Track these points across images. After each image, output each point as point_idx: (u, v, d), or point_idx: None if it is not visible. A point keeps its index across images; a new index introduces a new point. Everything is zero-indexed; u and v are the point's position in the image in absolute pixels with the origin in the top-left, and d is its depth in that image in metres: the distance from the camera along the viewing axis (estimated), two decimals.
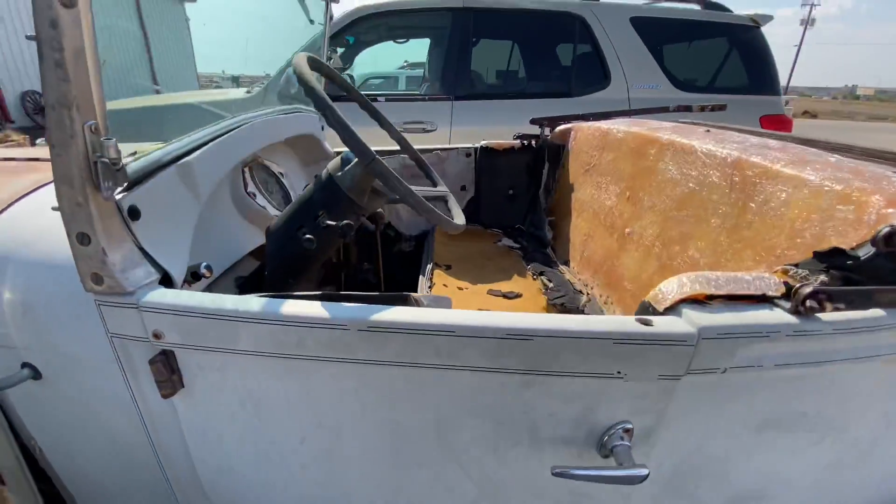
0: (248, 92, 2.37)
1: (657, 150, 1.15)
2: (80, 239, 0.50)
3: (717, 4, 3.02)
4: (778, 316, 0.50)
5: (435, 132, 2.67)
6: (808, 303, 0.48)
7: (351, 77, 5.40)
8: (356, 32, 3.23)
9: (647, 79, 2.87)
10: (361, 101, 1.01)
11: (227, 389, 0.57)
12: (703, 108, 1.70)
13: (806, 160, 0.78)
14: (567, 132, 1.69)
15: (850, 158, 0.79)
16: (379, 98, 2.95)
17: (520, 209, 1.81)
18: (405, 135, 2.70)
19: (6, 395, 0.75)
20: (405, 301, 0.56)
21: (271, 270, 0.83)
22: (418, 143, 2.18)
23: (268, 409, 0.57)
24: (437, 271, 1.45)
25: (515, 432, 0.55)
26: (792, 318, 0.50)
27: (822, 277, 0.53)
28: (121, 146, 0.51)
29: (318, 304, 0.51)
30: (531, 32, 2.96)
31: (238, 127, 0.86)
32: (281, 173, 1.23)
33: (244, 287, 0.85)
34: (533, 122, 1.76)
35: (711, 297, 0.51)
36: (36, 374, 0.70)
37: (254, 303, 0.52)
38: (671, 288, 0.52)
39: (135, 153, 0.58)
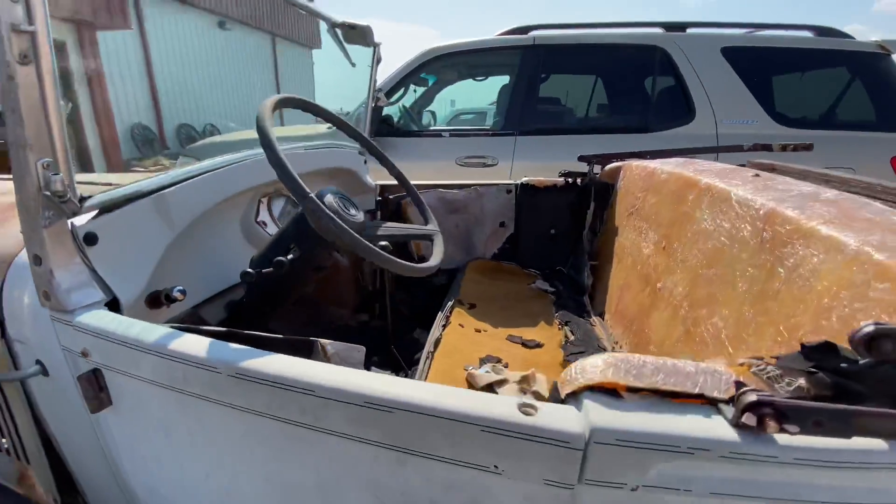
0: (329, 128, 2.58)
1: (696, 195, 1.01)
2: (35, 260, 0.56)
3: (832, 30, 2.65)
4: (712, 426, 0.37)
5: (496, 167, 2.64)
6: (745, 416, 0.36)
7: (433, 113, 5.67)
8: (433, 71, 3.39)
9: (740, 113, 2.58)
10: (356, 134, 1.02)
11: (144, 413, 0.59)
12: (784, 148, 1.45)
13: (854, 216, 0.61)
14: (617, 171, 1.56)
15: None
16: (443, 133, 3.03)
17: (562, 250, 1.69)
18: (466, 169, 2.74)
19: (29, 387, 0.86)
20: (310, 348, 0.53)
21: (248, 297, 0.85)
22: (478, 177, 2.20)
23: (177, 439, 0.57)
24: (458, 310, 1.39)
25: None
26: (732, 433, 0.37)
27: (800, 381, 0.38)
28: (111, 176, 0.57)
29: (205, 341, 0.50)
30: (604, 66, 2.85)
31: (240, 161, 0.92)
32: None
33: (233, 311, 0.89)
34: (581, 159, 1.66)
35: (635, 390, 0.40)
36: (44, 371, 0.79)
37: (154, 332, 0.53)
38: (583, 369, 0.42)
39: (110, 184, 0.65)
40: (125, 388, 0.58)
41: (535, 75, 2.75)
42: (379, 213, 1.67)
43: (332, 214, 0.63)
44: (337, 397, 0.43)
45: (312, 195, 0.62)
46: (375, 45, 1.48)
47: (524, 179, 1.66)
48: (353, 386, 0.43)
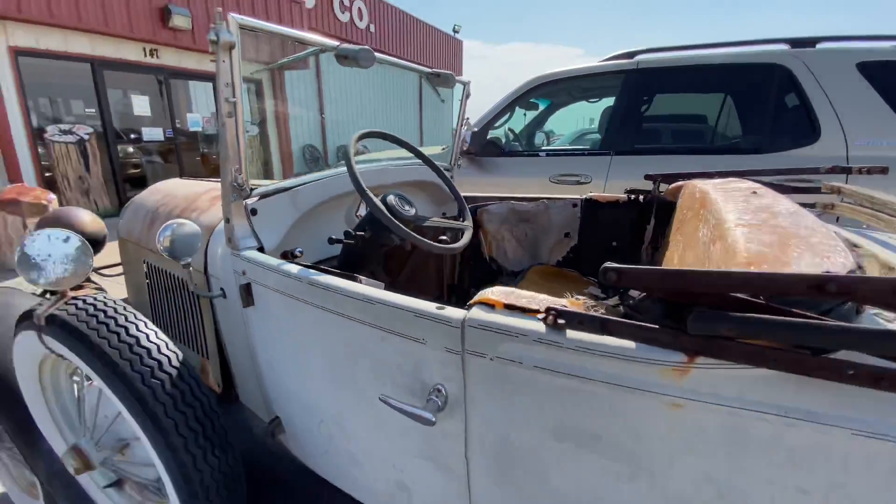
0: (443, 149, 3.05)
1: (704, 210, 1.13)
2: (225, 220, 1.02)
3: None
4: (533, 325, 0.60)
5: (589, 184, 2.78)
6: (549, 316, 0.57)
7: (547, 135, 5.86)
8: (544, 96, 3.66)
9: (878, 133, 2.31)
10: (420, 155, 1.38)
11: (270, 311, 1.00)
12: (861, 171, 1.36)
13: (779, 229, 0.75)
14: (679, 189, 1.65)
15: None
16: (540, 153, 3.27)
17: (622, 262, 1.82)
18: (560, 185, 3.06)
19: (214, 305, 1.36)
20: (354, 278, 0.87)
21: (340, 260, 1.25)
22: (571, 192, 2.40)
23: (286, 328, 0.97)
24: None
25: (381, 374, 0.80)
26: (540, 327, 0.60)
27: (602, 309, 0.58)
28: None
29: (304, 269, 0.88)
30: (711, 86, 2.78)
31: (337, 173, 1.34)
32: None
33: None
34: (647, 177, 1.77)
35: (506, 306, 0.64)
36: (224, 295, 1.28)
37: (277, 264, 0.93)
38: (482, 292, 0.68)
39: (269, 183, 1.11)
40: (261, 295, 1.01)
41: (636, 98, 2.82)
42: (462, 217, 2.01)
43: (381, 207, 0.98)
44: (348, 295, 0.77)
45: (371, 194, 0.98)
46: (465, 84, 1.84)
47: (589, 194, 1.83)
48: (362, 293, 0.76)
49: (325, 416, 0.99)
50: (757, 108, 2.60)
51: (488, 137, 3.30)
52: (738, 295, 0.49)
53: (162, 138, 7.30)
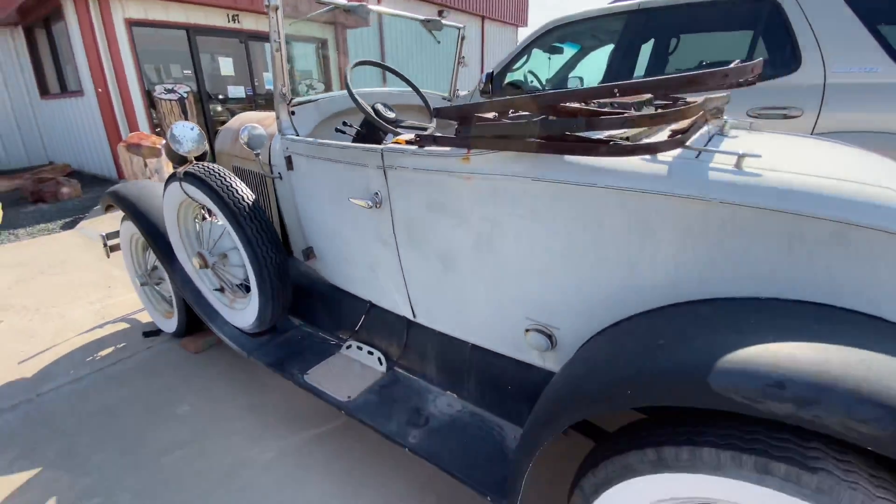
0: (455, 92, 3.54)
1: None
2: (277, 116, 1.69)
3: None
4: (410, 148, 1.19)
5: None
6: (417, 141, 1.16)
7: (581, 80, 5.98)
8: (570, 40, 3.94)
9: (856, 60, 2.47)
10: (393, 70, 1.95)
11: (302, 171, 1.67)
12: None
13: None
14: None
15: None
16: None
17: None
18: None
19: (274, 184, 2.07)
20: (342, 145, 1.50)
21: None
22: None
23: (311, 179, 1.64)
24: None
25: (352, 192, 1.45)
26: (414, 148, 1.18)
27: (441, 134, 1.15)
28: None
29: (318, 140, 1.53)
30: (704, 23, 2.98)
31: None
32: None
33: None
34: None
35: (403, 142, 1.24)
36: (280, 176, 1.98)
37: (304, 141, 1.59)
38: (395, 139, 1.28)
39: (304, 96, 1.76)
40: (296, 162, 1.68)
41: (636, 40, 3.09)
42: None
43: (367, 108, 1.59)
44: (338, 147, 1.42)
45: (362, 101, 1.59)
46: (460, 28, 2.35)
47: None
48: (340, 146, 1.40)
49: (332, 236, 1.66)
50: (743, 40, 2.80)
51: (508, 81, 3.72)
52: (483, 115, 1.05)
53: (243, 96, 8.35)
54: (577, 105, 0.95)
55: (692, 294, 0.93)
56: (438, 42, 2.29)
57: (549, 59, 4.23)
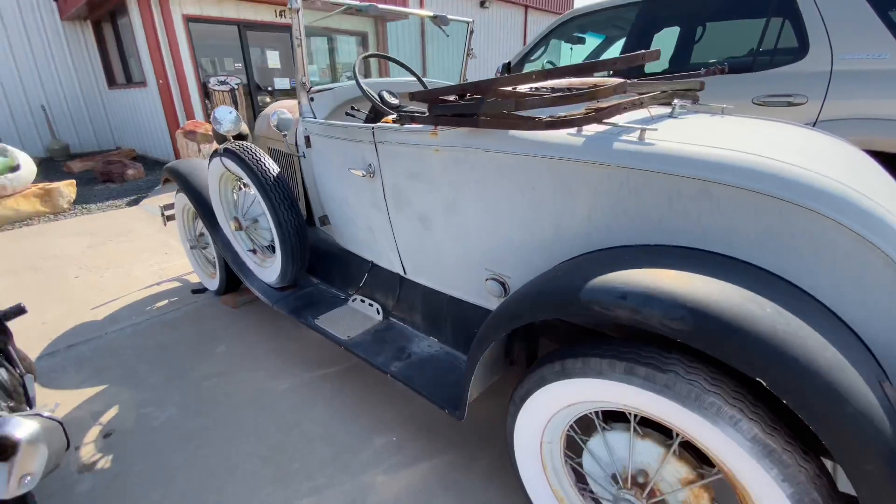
0: None
1: None
2: (299, 102, 2.00)
3: None
4: (394, 126, 1.44)
5: None
6: (399, 120, 1.40)
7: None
8: (592, 30, 4.05)
9: (864, 47, 2.49)
10: (395, 60, 2.20)
11: (318, 148, 1.96)
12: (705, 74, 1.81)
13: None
14: None
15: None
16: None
17: None
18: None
19: (299, 161, 2.39)
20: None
21: None
22: None
23: (325, 155, 1.93)
24: None
25: (352, 165, 1.73)
26: (397, 126, 1.43)
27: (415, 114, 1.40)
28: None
29: (329, 121, 1.82)
30: (715, 13, 3.03)
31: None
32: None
33: None
34: None
35: (390, 121, 1.49)
36: (303, 155, 2.30)
37: (321, 122, 1.87)
38: (385, 119, 1.54)
39: (319, 84, 2.05)
40: (314, 142, 1.98)
41: (648, 29, 3.19)
42: None
43: (373, 94, 1.86)
44: (341, 126, 1.70)
45: (367, 88, 1.86)
46: (468, 23, 2.57)
47: None
48: (344, 125, 1.69)
49: (340, 204, 1.96)
50: (752, 27, 2.84)
51: (525, 70, 3.89)
52: (446, 98, 1.29)
53: (288, 87, 8.88)
54: (510, 89, 1.17)
55: (602, 243, 1.14)
56: (447, 35, 2.52)
57: (571, 49, 4.34)
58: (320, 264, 2.28)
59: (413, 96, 1.34)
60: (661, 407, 0.92)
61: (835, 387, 0.69)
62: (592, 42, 4.38)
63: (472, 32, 2.63)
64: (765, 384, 0.73)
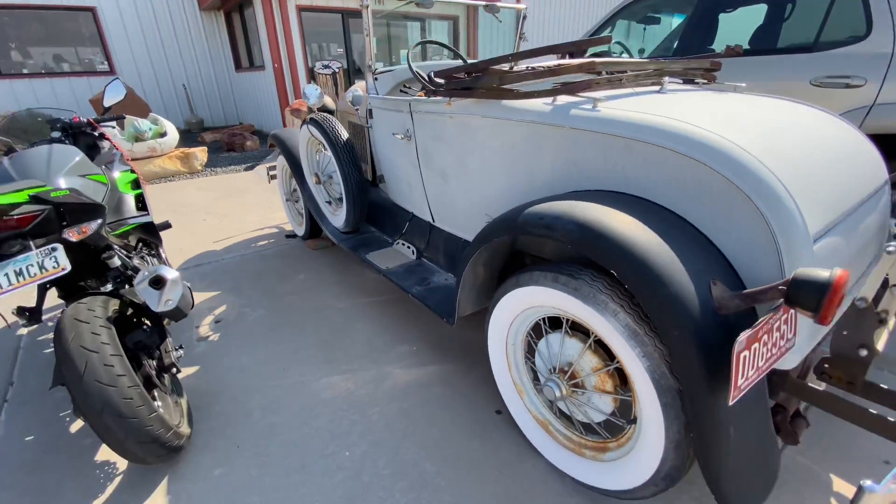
0: None
1: None
2: (366, 81, 2.49)
3: None
4: (422, 97, 1.85)
5: None
6: (425, 92, 1.80)
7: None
8: (669, 10, 4.05)
9: None
10: (442, 44, 2.56)
11: (378, 119, 2.43)
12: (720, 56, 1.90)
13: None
14: None
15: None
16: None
17: None
18: None
19: (368, 133, 2.91)
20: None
21: None
22: None
23: (383, 125, 2.40)
24: None
25: (396, 131, 2.17)
26: (425, 98, 1.83)
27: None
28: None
29: (384, 95, 2.28)
30: None
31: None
32: None
33: None
34: None
35: (423, 94, 1.90)
36: (371, 126, 2.81)
37: (380, 97, 2.35)
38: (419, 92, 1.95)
39: (383, 66, 2.52)
40: (376, 114, 2.46)
41: (713, 8, 3.18)
42: None
43: (420, 72, 2.28)
44: (390, 99, 2.16)
45: (415, 68, 2.28)
46: (521, 9, 2.88)
47: None
48: (394, 98, 2.14)
49: (390, 165, 2.43)
50: (816, 7, 2.75)
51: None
52: (456, 75, 1.67)
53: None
54: (501, 67, 1.51)
55: (561, 189, 1.47)
56: (500, 21, 2.84)
57: (644, 29, 4.36)
58: (377, 216, 2.80)
59: (436, 74, 1.74)
60: (573, 305, 1.25)
61: (658, 276, 0.99)
62: (668, 21, 4.34)
63: (524, 18, 2.92)
64: (616, 274, 1.05)
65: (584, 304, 1.21)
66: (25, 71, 8.57)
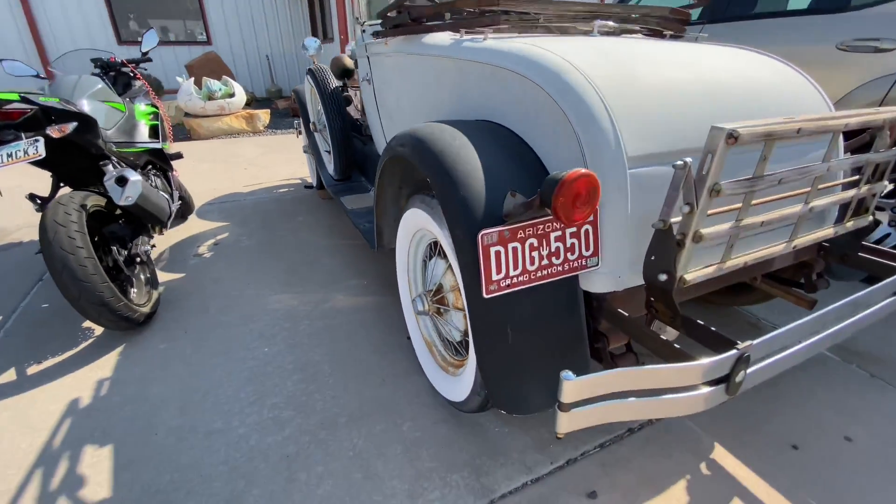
0: None
1: None
2: (355, 33, 2.67)
3: None
4: (374, 40, 1.97)
5: None
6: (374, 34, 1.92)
7: None
8: None
9: None
10: None
11: (359, 71, 2.61)
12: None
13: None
14: None
15: None
16: None
17: None
18: None
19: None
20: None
21: None
22: None
23: (363, 80, 2.57)
24: None
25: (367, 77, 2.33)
26: (374, 40, 1.96)
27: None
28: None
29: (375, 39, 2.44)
30: None
31: None
32: None
33: None
34: None
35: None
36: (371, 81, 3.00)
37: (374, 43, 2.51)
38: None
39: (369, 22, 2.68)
40: (360, 63, 2.64)
41: None
42: None
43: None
44: (381, 44, 2.31)
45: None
46: None
47: None
48: (381, 43, 2.29)
49: (370, 113, 2.59)
50: None
51: None
52: (389, 14, 1.77)
53: None
54: (421, 3, 1.60)
55: (457, 115, 1.54)
56: None
57: None
58: (366, 166, 3.00)
59: (378, 14, 1.87)
60: (431, 224, 1.35)
61: (454, 181, 1.07)
62: None
63: None
64: (430, 181, 1.14)
65: (433, 220, 1.31)
66: (140, 39, 9.93)
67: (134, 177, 1.80)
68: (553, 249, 1.02)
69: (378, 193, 1.70)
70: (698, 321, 1.08)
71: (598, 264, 1.08)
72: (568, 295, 1.10)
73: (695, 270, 1.04)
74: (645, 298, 1.09)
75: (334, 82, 2.69)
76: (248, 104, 7.74)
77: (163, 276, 2.44)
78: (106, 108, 2.23)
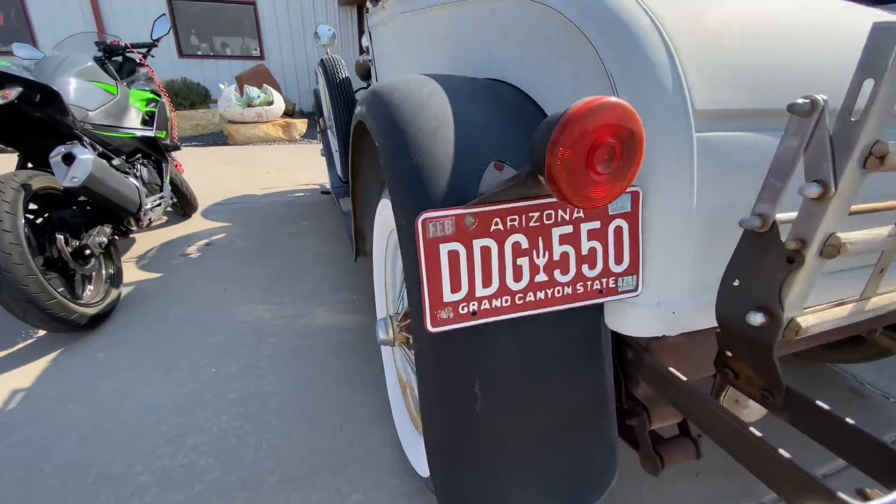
0: None
1: None
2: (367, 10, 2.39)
3: None
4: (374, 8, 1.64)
5: None
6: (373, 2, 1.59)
7: None
8: None
9: None
10: None
11: (376, 40, 2.32)
12: None
13: None
14: None
15: None
16: None
17: None
18: None
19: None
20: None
21: None
22: None
23: (384, 53, 2.27)
24: None
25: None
26: (373, 7, 1.63)
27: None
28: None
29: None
30: None
31: None
32: None
33: None
34: None
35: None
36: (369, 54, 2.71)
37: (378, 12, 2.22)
38: None
39: None
40: (379, 32, 2.34)
41: None
42: None
43: None
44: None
45: None
46: None
47: None
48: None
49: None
50: None
51: None
52: None
53: None
54: None
55: (454, 71, 1.17)
56: None
57: None
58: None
59: None
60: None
61: (397, 145, 0.69)
62: None
63: None
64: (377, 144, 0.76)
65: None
66: (199, 53, 10.39)
67: (84, 155, 1.54)
68: (558, 256, 0.60)
69: (353, 183, 1.34)
70: (817, 401, 0.61)
71: (636, 288, 0.65)
72: (584, 338, 0.68)
73: (816, 310, 0.59)
74: (717, 352, 0.64)
75: (344, 72, 2.41)
76: (290, 115, 7.78)
77: (137, 275, 2.18)
78: (92, 87, 2.04)
